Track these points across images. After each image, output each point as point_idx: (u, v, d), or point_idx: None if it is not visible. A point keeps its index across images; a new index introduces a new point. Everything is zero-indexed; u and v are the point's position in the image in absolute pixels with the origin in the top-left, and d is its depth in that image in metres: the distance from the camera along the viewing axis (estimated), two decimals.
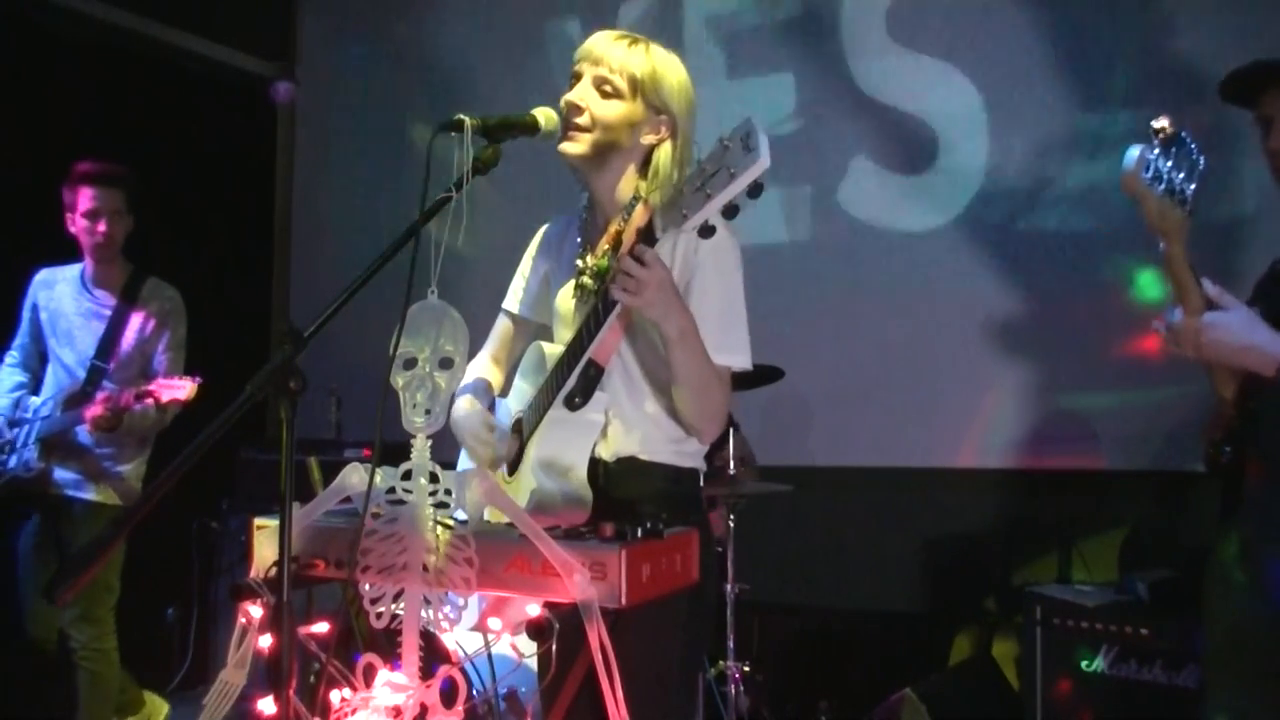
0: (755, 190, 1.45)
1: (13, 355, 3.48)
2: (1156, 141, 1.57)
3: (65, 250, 3.44)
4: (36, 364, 3.45)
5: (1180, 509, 3.34)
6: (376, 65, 5.30)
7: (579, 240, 1.94)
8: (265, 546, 1.61)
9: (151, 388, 3.10)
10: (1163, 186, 1.58)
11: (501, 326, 2.10)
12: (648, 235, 1.58)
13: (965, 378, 3.79)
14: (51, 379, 3.38)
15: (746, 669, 3.37)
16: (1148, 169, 1.56)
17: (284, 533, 1.33)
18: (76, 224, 3.33)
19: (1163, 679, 2.81)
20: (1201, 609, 2.04)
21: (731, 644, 3.35)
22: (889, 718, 3.14)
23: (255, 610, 1.55)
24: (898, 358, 3.89)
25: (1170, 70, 3.46)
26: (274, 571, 1.42)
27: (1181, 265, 1.70)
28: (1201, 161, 1.60)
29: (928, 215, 3.89)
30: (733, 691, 3.32)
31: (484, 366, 2.06)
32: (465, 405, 1.92)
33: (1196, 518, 3.27)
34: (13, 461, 3.26)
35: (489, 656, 1.59)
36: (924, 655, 3.73)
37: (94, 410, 3.12)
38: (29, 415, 3.31)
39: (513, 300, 2.08)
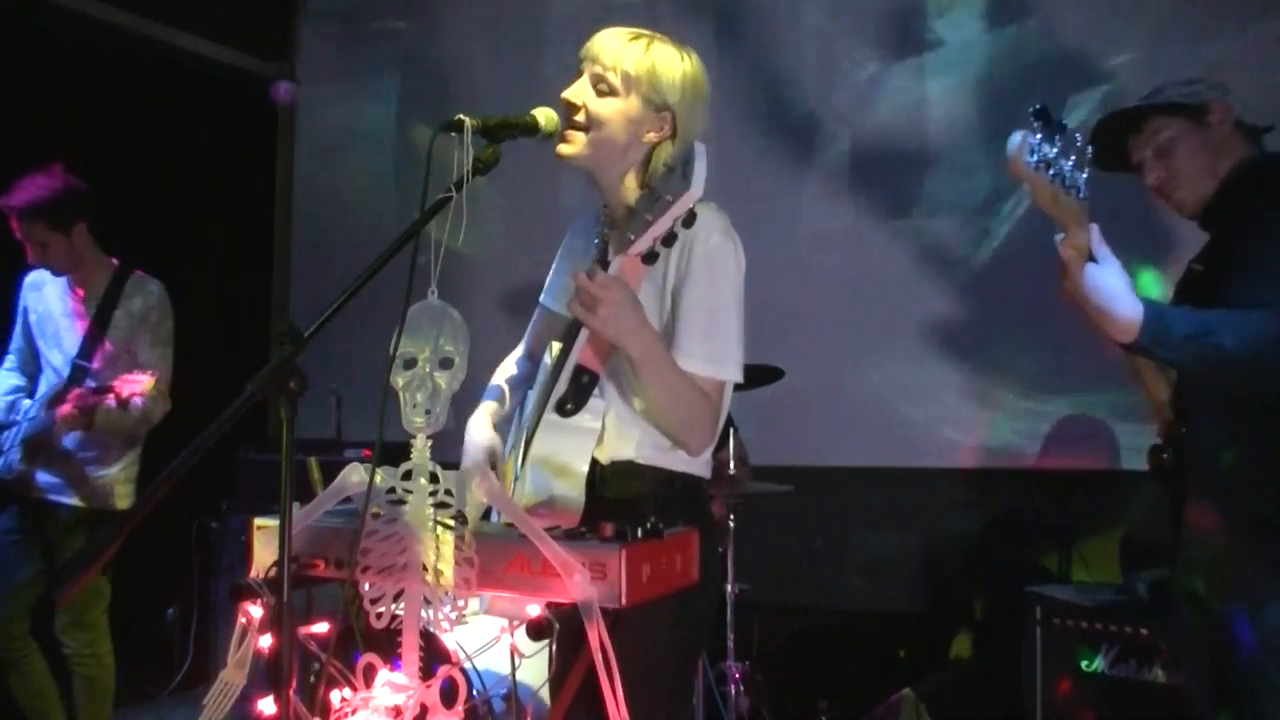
0: (689, 220, 1.46)
1: (10, 359, 3.45)
2: (1038, 126, 1.54)
3: None
4: (33, 367, 3.41)
5: (1181, 509, 3.34)
6: (376, 65, 5.30)
7: (595, 241, 1.93)
8: (265, 547, 1.61)
9: (112, 383, 3.05)
10: (1052, 172, 1.56)
11: (536, 319, 2.10)
12: (602, 257, 1.58)
13: (965, 377, 3.78)
14: (44, 382, 3.34)
15: (747, 669, 3.37)
16: (1032, 153, 1.54)
17: (284, 533, 1.33)
18: None
19: (1163, 679, 2.81)
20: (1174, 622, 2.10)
21: (731, 644, 3.35)
22: (889, 718, 3.14)
23: (255, 610, 1.55)
24: (898, 357, 3.89)
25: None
26: (274, 571, 1.41)
27: (1081, 242, 1.71)
28: (1089, 150, 1.59)
29: (927, 214, 3.89)
30: (733, 691, 3.32)
31: (515, 362, 2.07)
32: (481, 436, 1.89)
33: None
34: (0, 465, 3.24)
35: (514, 666, 1.58)
36: (924, 655, 3.73)
37: (63, 409, 3.10)
38: (19, 418, 3.27)
39: (546, 293, 2.07)
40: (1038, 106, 1.54)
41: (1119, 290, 1.71)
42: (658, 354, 1.66)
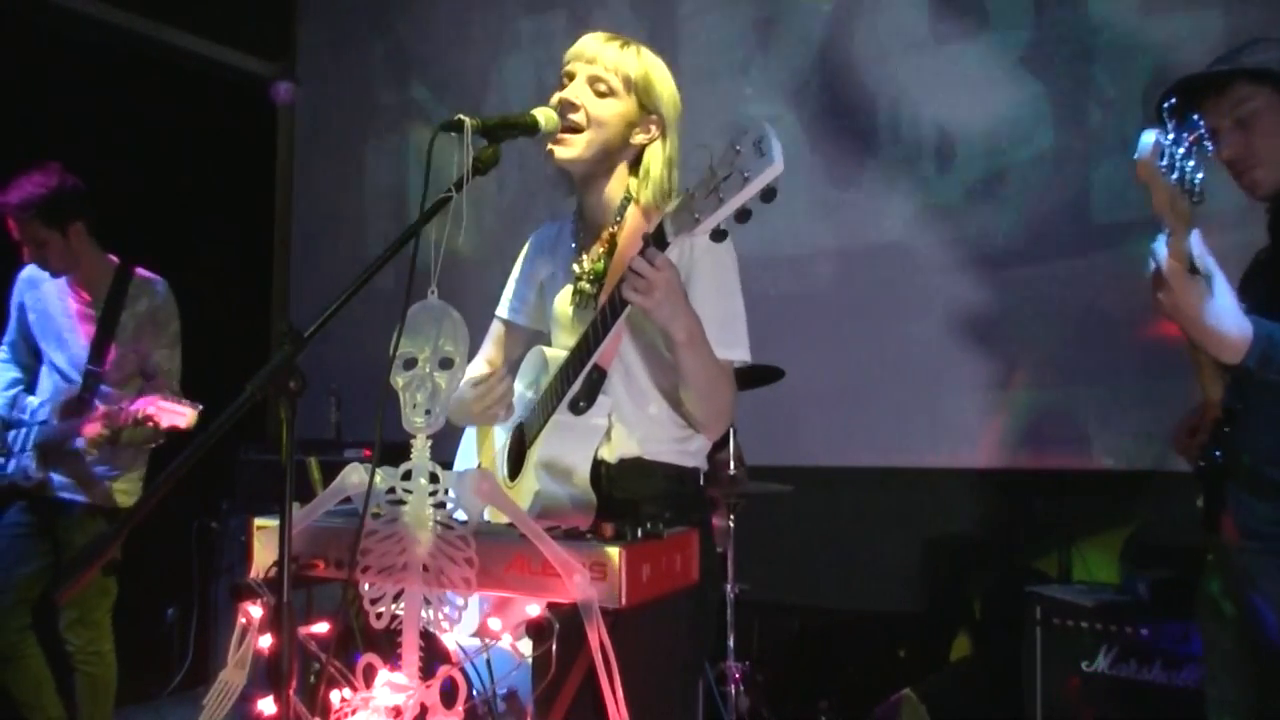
0: (768, 195, 1.45)
1: (3, 352, 3.42)
2: (1171, 125, 1.46)
3: None
4: (29, 359, 3.38)
5: (1180, 509, 3.34)
6: (376, 65, 5.30)
7: (573, 245, 1.94)
8: (265, 547, 1.61)
9: (151, 411, 2.98)
10: (1175, 175, 1.47)
11: (495, 333, 2.11)
12: (659, 238, 1.58)
13: (966, 377, 3.78)
14: (47, 382, 3.31)
15: (747, 669, 3.38)
16: (1162, 155, 1.45)
17: (284, 533, 1.33)
18: None
19: (1163, 679, 2.81)
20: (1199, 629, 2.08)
21: (731, 644, 3.35)
22: (889, 718, 3.14)
23: (255, 610, 1.55)
24: (898, 357, 3.89)
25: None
26: (274, 571, 1.41)
27: (1184, 250, 1.59)
28: (1209, 148, 1.51)
29: (925, 213, 3.89)
30: (733, 691, 3.32)
31: (479, 372, 2.06)
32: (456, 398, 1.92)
33: (1196, 518, 3.27)
34: (11, 466, 3.20)
35: (487, 659, 1.58)
36: (924, 655, 3.73)
37: (92, 428, 3.05)
38: (26, 417, 3.24)
39: (505, 307, 2.08)
40: (1173, 100, 1.47)
41: (1228, 307, 1.58)
42: (701, 337, 1.68)
